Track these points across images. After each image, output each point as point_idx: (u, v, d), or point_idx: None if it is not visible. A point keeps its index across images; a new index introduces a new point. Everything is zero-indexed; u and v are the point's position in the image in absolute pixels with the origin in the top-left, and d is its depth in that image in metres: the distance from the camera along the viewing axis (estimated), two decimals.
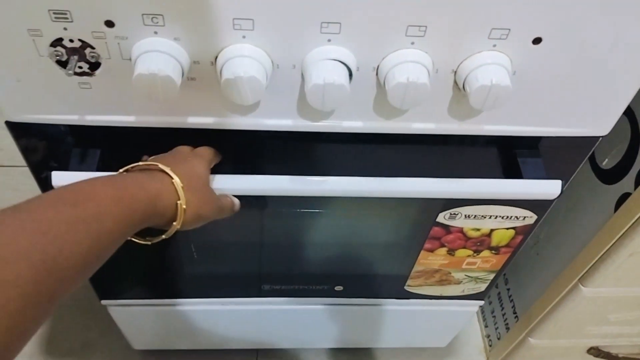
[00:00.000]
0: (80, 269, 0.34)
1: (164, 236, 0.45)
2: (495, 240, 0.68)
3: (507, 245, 0.69)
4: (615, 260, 0.67)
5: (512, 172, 0.54)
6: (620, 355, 0.93)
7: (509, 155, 0.54)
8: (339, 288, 0.79)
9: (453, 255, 0.71)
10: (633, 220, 0.62)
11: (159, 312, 0.83)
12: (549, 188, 0.52)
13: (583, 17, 0.40)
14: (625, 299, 0.76)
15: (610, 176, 0.66)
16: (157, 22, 0.39)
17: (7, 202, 0.33)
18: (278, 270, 0.75)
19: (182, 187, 0.43)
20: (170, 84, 0.40)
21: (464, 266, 0.74)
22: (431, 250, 0.70)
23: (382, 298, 0.82)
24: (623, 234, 0.64)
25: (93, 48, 0.41)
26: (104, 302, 0.79)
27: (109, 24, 0.39)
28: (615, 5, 0.40)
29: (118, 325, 0.86)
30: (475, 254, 0.71)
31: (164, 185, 0.42)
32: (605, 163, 0.67)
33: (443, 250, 0.70)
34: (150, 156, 0.48)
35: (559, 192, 0.53)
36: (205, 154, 0.49)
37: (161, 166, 0.43)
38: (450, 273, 0.75)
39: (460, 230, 0.66)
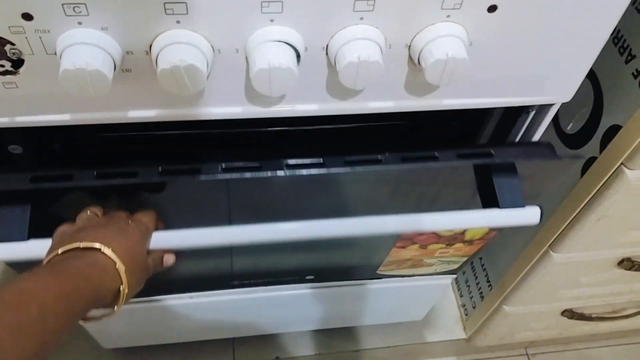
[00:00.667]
0: None
1: (103, 318, 0.43)
2: (468, 236, 0.66)
3: (480, 239, 0.68)
4: (584, 226, 0.66)
5: (487, 193, 0.52)
6: (593, 315, 0.94)
7: (485, 175, 0.52)
8: (309, 277, 0.77)
9: (425, 248, 0.69)
10: (600, 185, 0.61)
11: (126, 311, 0.80)
12: (528, 216, 0.51)
13: None
14: (596, 262, 0.76)
15: (575, 141, 0.65)
16: (80, 12, 0.35)
17: None
18: (247, 269, 0.73)
19: (125, 270, 0.41)
20: (100, 78, 0.36)
21: (436, 255, 0.72)
22: (403, 247, 0.68)
23: (354, 280, 0.81)
24: (590, 198, 0.63)
25: (13, 44, 0.37)
26: None
27: (27, 16, 0.35)
28: None
29: (85, 327, 0.83)
30: (448, 246, 0.69)
31: (106, 272, 0.41)
32: (570, 128, 0.66)
33: (415, 246, 0.68)
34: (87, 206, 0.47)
35: (538, 221, 0.51)
36: (145, 221, 0.48)
37: (102, 248, 0.41)
38: (422, 260, 0.74)
39: (434, 233, 0.64)
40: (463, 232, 0.65)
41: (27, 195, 0.47)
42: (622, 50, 0.56)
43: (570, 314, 0.93)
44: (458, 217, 0.53)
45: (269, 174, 0.47)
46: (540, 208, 0.52)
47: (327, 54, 0.41)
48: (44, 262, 0.41)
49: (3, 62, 0.38)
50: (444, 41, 0.39)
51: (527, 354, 1.17)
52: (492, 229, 0.64)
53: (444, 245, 0.69)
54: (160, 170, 0.46)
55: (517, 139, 0.57)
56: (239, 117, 0.45)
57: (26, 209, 0.47)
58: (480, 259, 0.97)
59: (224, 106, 0.44)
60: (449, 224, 0.53)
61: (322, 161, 0.48)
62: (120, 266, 0.41)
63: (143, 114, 0.44)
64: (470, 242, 0.68)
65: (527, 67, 0.45)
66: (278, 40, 0.38)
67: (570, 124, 0.66)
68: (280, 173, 0.47)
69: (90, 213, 0.48)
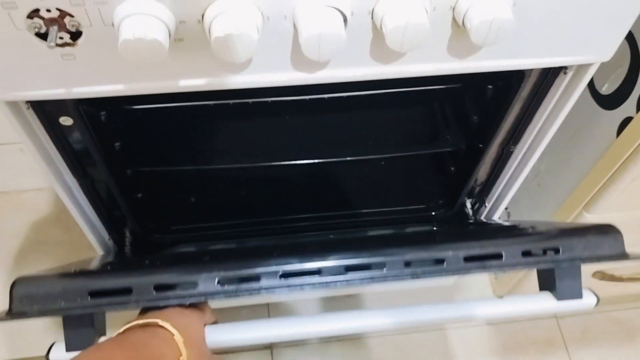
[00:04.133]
0: None
1: None
2: None
3: None
4: (619, 186, 0.67)
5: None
6: (624, 277, 0.94)
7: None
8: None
9: None
10: (636, 144, 0.62)
11: None
12: (585, 306, 0.50)
13: None
14: (628, 222, 0.76)
15: (610, 101, 0.65)
16: None
17: None
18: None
19: (183, 342, 0.43)
20: (158, 47, 0.38)
21: None
22: None
23: None
24: (626, 158, 0.64)
25: (72, 16, 0.38)
26: None
27: None
28: None
29: None
30: None
31: (166, 343, 0.43)
32: (605, 88, 0.66)
33: None
34: None
35: (594, 305, 0.51)
36: (201, 307, 0.50)
37: (161, 322, 0.43)
38: None
39: None
40: None
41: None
42: None
43: (601, 275, 0.94)
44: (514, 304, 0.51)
45: (329, 279, 0.47)
46: (597, 297, 0.51)
47: (372, 18, 0.42)
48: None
49: (62, 34, 0.40)
50: (489, 1, 0.40)
51: (555, 316, 1.18)
52: None
53: None
54: (217, 281, 0.47)
55: (554, 100, 0.57)
56: (285, 84, 0.47)
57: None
58: (509, 213, 0.97)
59: (271, 72, 0.45)
60: (504, 312, 0.52)
61: (383, 262, 0.48)
62: (178, 338, 0.43)
63: (194, 83, 0.45)
64: None
65: (569, 27, 0.45)
66: (326, 5, 0.39)
67: (606, 85, 0.66)
68: (340, 278, 0.47)
69: None
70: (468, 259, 0.48)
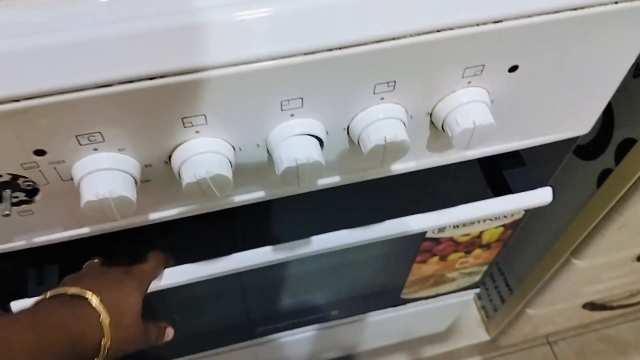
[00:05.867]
0: None
1: None
2: (485, 239, 0.66)
3: (497, 241, 0.67)
4: (605, 235, 0.66)
5: (498, 185, 0.52)
6: (614, 305, 0.94)
7: (493, 168, 0.51)
8: (334, 312, 0.77)
9: (445, 260, 0.69)
10: (619, 196, 0.61)
11: None
12: (541, 197, 0.50)
13: (557, 40, 0.37)
14: (616, 261, 0.76)
15: (588, 152, 0.65)
16: (95, 139, 0.34)
17: None
18: (268, 312, 0.72)
19: (109, 323, 0.40)
20: (125, 202, 0.35)
21: (457, 266, 0.72)
22: (423, 262, 0.68)
23: (378, 310, 0.80)
24: (611, 208, 0.63)
25: (26, 177, 0.35)
26: None
27: (40, 152, 0.33)
28: (590, 22, 0.36)
29: None
30: (466, 254, 0.69)
31: (89, 324, 0.39)
32: (581, 139, 0.66)
33: (435, 259, 0.68)
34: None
35: (550, 199, 0.50)
36: (146, 267, 0.46)
37: (91, 300, 0.40)
38: (444, 274, 0.74)
39: (450, 239, 0.64)
40: (480, 235, 0.64)
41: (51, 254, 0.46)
42: None
43: (591, 306, 0.93)
44: (474, 207, 0.51)
45: None
46: (552, 188, 0.51)
47: (348, 133, 0.40)
48: (31, 304, 0.40)
49: (17, 193, 0.36)
50: (469, 108, 0.38)
51: (548, 342, 1.18)
52: (507, 227, 0.63)
53: (463, 254, 0.69)
54: None
55: None
56: (262, 200, 0.44)
57: (54, 268, 0.47)
58: (497, 263, 0.97)
59: (247, 194, 0.43)
60: (466, 215, 0.51)
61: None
62: (104, 318, 0.40)
63: (164, 215, 0.42)
64: (488, 246, 0.68)
65: (547, 112, 0.44)
66: (301, 134, 0.37)
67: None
68: None
69: (95, 261, 0.47)
70: None
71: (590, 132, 0.63)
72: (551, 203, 0.50)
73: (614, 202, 0.62)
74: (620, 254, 0.74)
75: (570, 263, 0.74)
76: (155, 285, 0.47)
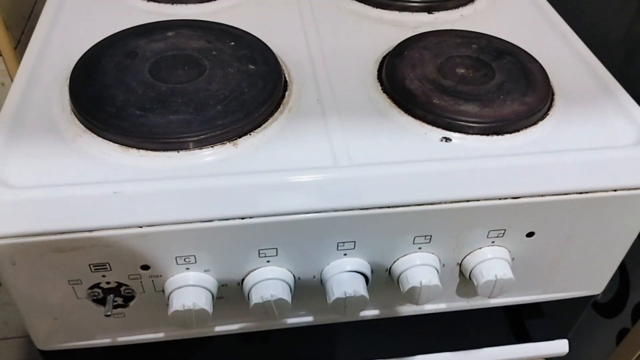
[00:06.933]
0: None
1: None
2: None
3: None
4: None
5: (519, 332, 0.57)
6: None
7: (516, 316, 0.57)
8: None
9: None
10: (636, 356, 0.65)
11: None
12: (557, 348, 0.55)
13: (567, 215, 0.45)
14: None
15: (607, 311, 0.70)
16: (189, 261, 0.42)
17: None
18: None
19: None
20: (204, 314, 0.42)
21: None
22: None
23: None
24: None
25: (128, 286, 0.44)
26: None
27: (145, 267, 0.42)
28: (594, 204, 0.44)
29: None
30: None
31: None
32: (600, 297, 0.71)
33: None
34: None
35: (567, 350, 0.56)
36: None
37: None
38: None
39: None
40: None
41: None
42: None
43: None
44: (494, 351, 0.56)
45: None
46: (569, 340, 0.56)
47: (389, 274, 0.47)
48: None
49: (117, 298, 0.45)
50: (492, 264, 0.46)
51: None
52: None
53: None
54: None
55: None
56: (310, 324, 0.51)
57: None
58: None
59: (300, 317, 0.50)
60: (487, 357, 0.56)
61: None
62: None
63: (230, 328, 0.50)
64: None
65: (562, 271, 0.51)
66: (350, 270, 0.45)
67: (600, 294, 0.71)
68: None
69: None
70: None
71: (609, 291, 0.70)
72: (572, 355, 0.55)
73: None
74: None
75: None
76: None
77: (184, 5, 0.59)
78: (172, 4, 0.59)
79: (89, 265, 0.41)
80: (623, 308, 0.67)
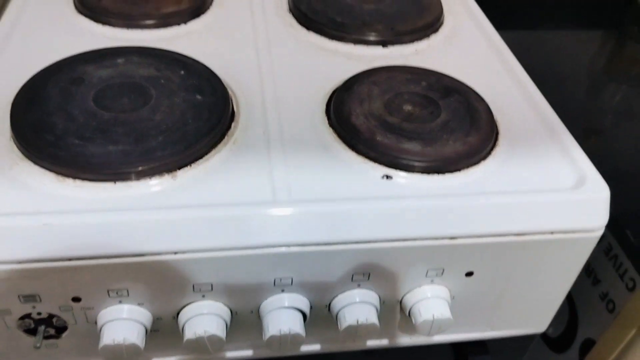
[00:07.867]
0: None
1: None
2: None
3: None
4: None
5: None
6: None
7: (461, 353, 0.58)
8: None
9: None
10: None
11: None
12: None
13: (505, 256, 0.45)
14: None
15: (557, 346, 0.70)
16: (122, 294, 0.42)
17: None
18: None
19: None
20: (135, 349, 0.42)
21: None
22: None
23: None
24: None
25: (59, 317, 0.43)
26: None
27: (76, 299, 0.42)
28: (532, 246, 0.45)
29: None
30: None
31: None
32: (551, 331, 0.72)
33: None
34: None
35: None
36: None
37: None
38: None
39: None
40: None
41: None
42: (588, 272, 0.63)
43: None
44: None
45: None
46: None
47: (329, 310, 0.47)
48: None
49: (49, 329, 0.44)
50: (430, 303, 0.46)
51: None
52: None
53: None
54: None
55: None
56: (250, 358, 0.50)
57: None
58: None
59: (238, 351, 0.50)
60: None
61: None
62: None
63: None
64: None
65: (504, 311, 0.51)
66: (288, 307, 0.45)
67: (551, 328, 0.71)
68: None
69: None
70: None
71: (559, 326, 0.70)
72: None
73: None
74: None
75: None
76: None
77: (139, 31, 0.59)
78: (128, 28, 0.59)
79: (19, 296, 0.40)
80: (572, 343, 0.67)
